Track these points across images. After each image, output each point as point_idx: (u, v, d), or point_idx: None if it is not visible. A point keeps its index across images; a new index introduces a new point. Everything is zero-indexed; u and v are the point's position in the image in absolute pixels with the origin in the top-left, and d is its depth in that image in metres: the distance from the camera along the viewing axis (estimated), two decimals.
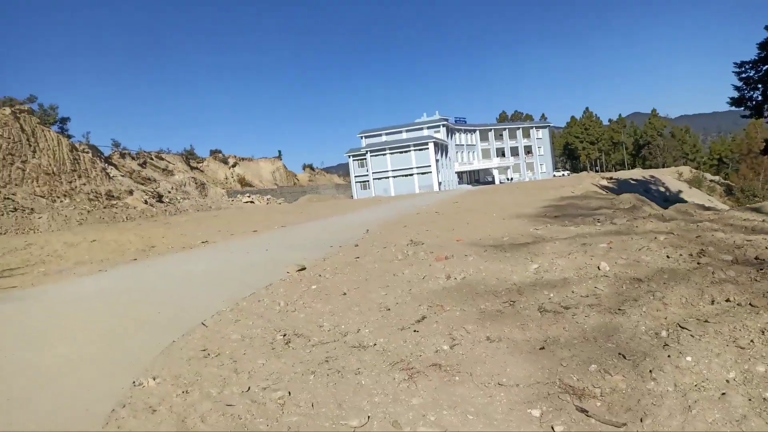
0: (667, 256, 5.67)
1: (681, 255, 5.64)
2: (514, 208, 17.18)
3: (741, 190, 44.78)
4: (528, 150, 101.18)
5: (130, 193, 36.91)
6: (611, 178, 41.12)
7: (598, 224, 8.91)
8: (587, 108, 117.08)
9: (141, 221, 27.99)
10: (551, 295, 5.04)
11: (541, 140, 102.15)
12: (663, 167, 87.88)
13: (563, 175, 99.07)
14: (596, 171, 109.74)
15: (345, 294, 6.15)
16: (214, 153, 74.34)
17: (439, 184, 79.73)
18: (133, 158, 51.09)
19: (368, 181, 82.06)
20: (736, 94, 26.56)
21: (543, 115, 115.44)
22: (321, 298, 6.12)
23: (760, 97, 25.09)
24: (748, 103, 25.34)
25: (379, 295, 5.92)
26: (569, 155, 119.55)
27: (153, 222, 26.65)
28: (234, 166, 74.49)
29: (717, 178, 67.58)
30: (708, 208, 13.34)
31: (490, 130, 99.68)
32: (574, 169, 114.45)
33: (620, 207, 12.91)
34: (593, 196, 20.99)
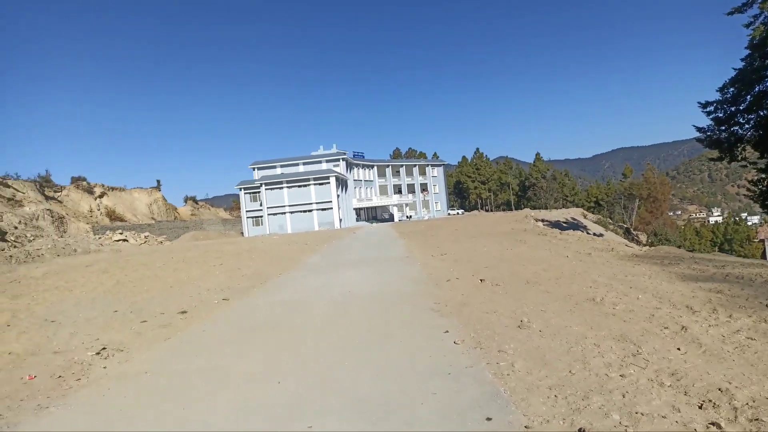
0: None
1: None
2: (640, 281, 10.82)
3: (654, 234, 46.46)
4: (424, 188, 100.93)
5: None
6: (544, 220, 39.37)
7: None
8: (478, 149, 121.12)
9: None
10: None
11: (436, 178, 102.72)
12: (545, 208, 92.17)
13: (457, 213, 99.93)
14: (486, 210, 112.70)
15: None
16: (76, 180, 61.09)
17: (340, 220, 75.13)
18: None
19: (262, 216, 74.66)
20: (699, 135, 25.67)
21: (435, 153, 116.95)
22: None
23: (732, 138, 24.09)
24: (723, 145, 24.22)
25: None
26: (459, 194, 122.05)
27: None
28: (101, 196, 62.01)
29: (609, 220, 71.49)
30: None
31: (388, 166, 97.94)
32: (463, 207, 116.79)
33: None
34: (710, 259, 16.16)
